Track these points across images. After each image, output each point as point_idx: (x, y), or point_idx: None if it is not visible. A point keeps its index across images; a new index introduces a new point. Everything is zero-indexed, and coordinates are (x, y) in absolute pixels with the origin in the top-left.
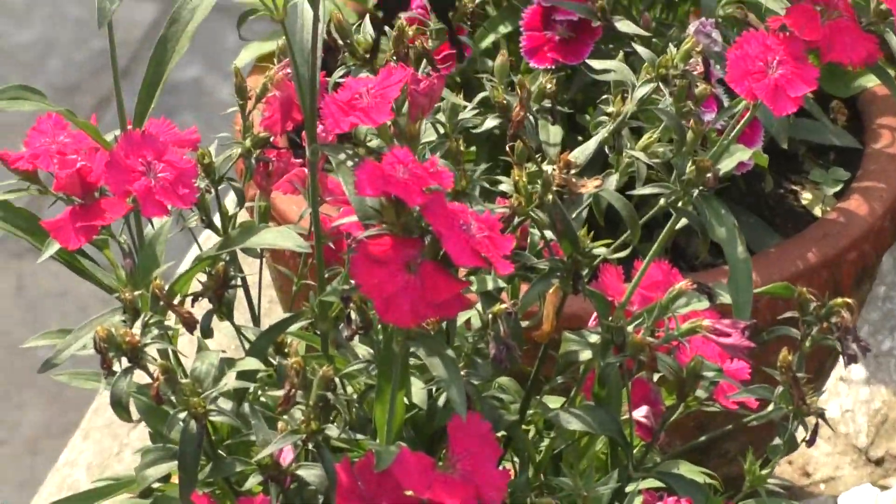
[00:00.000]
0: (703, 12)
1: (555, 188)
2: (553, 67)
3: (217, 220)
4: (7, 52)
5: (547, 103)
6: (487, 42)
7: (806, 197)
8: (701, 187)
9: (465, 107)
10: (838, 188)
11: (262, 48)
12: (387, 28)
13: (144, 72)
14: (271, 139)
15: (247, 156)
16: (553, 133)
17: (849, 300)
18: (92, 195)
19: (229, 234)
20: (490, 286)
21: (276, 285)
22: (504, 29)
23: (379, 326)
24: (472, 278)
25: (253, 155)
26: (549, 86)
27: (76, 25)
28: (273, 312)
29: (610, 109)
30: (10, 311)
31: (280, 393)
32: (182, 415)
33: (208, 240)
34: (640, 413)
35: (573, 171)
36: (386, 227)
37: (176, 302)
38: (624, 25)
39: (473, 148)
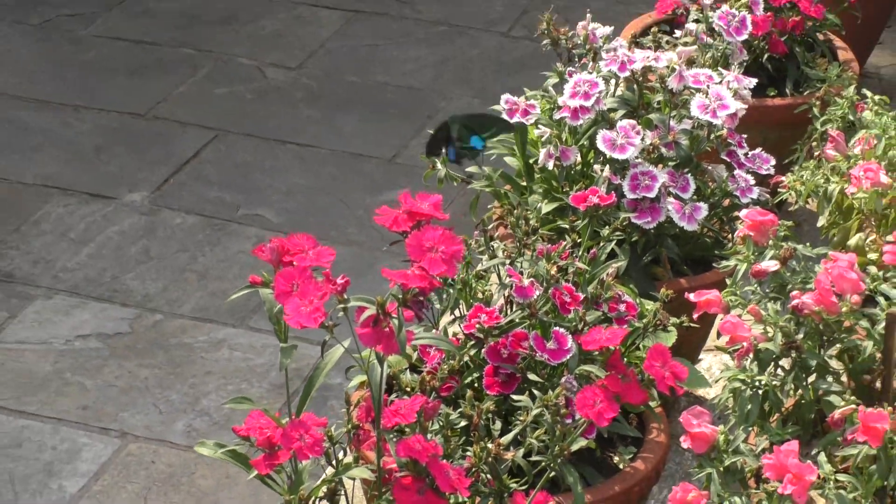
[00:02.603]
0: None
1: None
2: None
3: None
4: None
5: None
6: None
7: (616, 459)
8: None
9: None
10: (630, 456)
11: (360, 378)
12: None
13: None
14: (362, 425)
15: (349, 431)
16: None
17: None
18: (274, 448)
19: (338, 468)
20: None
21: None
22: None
23: None
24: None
25: (353, 430)
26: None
27: None
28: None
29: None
30: None
31: None
32: None
33: None
34: None
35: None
36: (409, 471)
37: (313, 500)
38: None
39: None
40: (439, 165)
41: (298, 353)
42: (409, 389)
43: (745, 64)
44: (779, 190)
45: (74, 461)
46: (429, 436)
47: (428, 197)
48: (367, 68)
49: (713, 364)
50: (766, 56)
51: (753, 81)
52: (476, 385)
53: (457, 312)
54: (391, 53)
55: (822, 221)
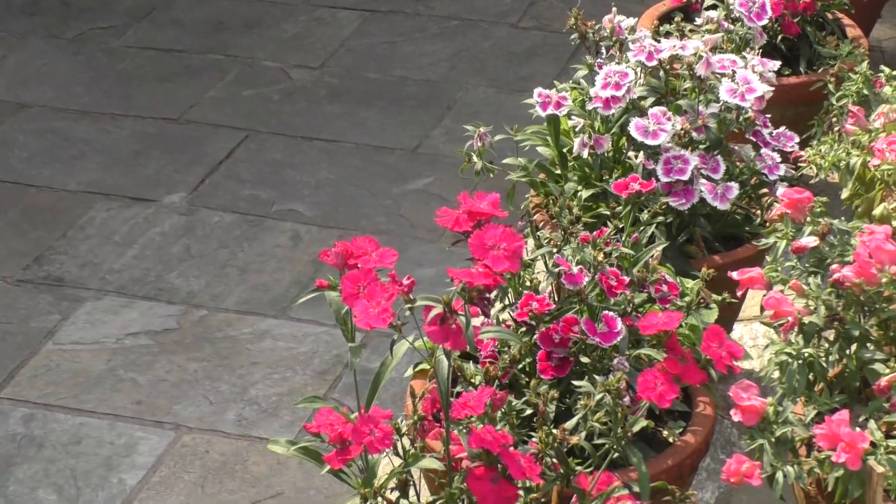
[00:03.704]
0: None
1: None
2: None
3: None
4: None
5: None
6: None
7: (666, 434)
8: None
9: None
10: (680, 430)
11: (423, 366)
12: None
13: None
14: (427, 417)
15: (416, 423)
16: None
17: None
18: (346, 443)
19: (406, 459)
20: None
21: (429, 486)
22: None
23: None
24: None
25: (418, 422)
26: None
27: None
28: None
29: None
30: None
31: None
32: None
33: None
34: None
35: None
36: (481, 461)
37: (384, 492)
38: None
39: None
40: (475, 158)
41: (334, 338)
42: (473, 381)
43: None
44: (798, 165)
45: (132, 455)
46: (497, 426)
47: (485, 196)
48: (386, 64)
49: (744, 334)
50: (779, 37)
51: (777, 64)
52: (528, 370)
53: (506, 301)
54: (408, 49)
55: (845, 194)
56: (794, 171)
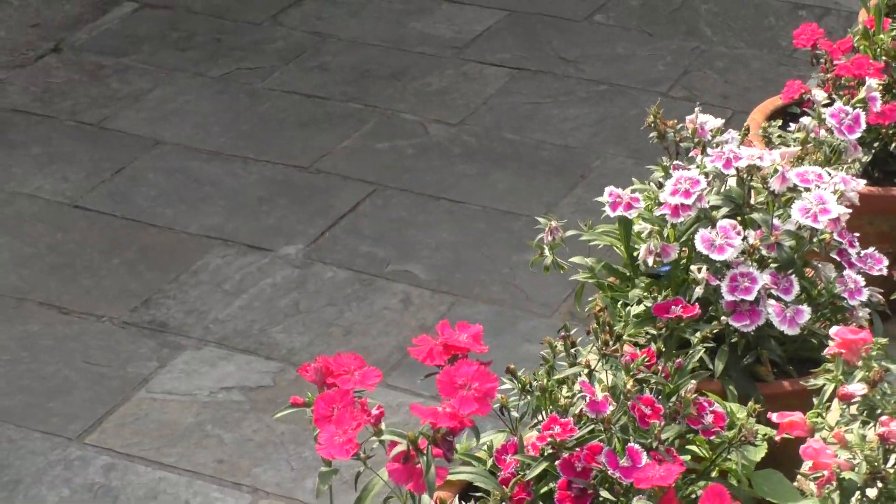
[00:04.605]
0: None
1: None
2: None
3: None
4: None
5: None
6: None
7: None
8: None
9: None
10: None
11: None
12: None
13: None
14: None
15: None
16: None
17: None
18: None
19: None
20: None
21: None
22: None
23: None
24: None
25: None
26: None
27: None
28: None
29: None
30: None
31: None
32: None
33: None
34: None
35: None
36: None
37: None
38: None
39: None
40: (546, 252)
41: None
42: None
43: (874, 150)
44: None
45: None
46: None
47: (467, 327)
48: (526, 126)
49: None
50: (894, 144)
51: (862, 183)
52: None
53: (540, 417)
54: (551, 111)
55: None
56: (880, 296)
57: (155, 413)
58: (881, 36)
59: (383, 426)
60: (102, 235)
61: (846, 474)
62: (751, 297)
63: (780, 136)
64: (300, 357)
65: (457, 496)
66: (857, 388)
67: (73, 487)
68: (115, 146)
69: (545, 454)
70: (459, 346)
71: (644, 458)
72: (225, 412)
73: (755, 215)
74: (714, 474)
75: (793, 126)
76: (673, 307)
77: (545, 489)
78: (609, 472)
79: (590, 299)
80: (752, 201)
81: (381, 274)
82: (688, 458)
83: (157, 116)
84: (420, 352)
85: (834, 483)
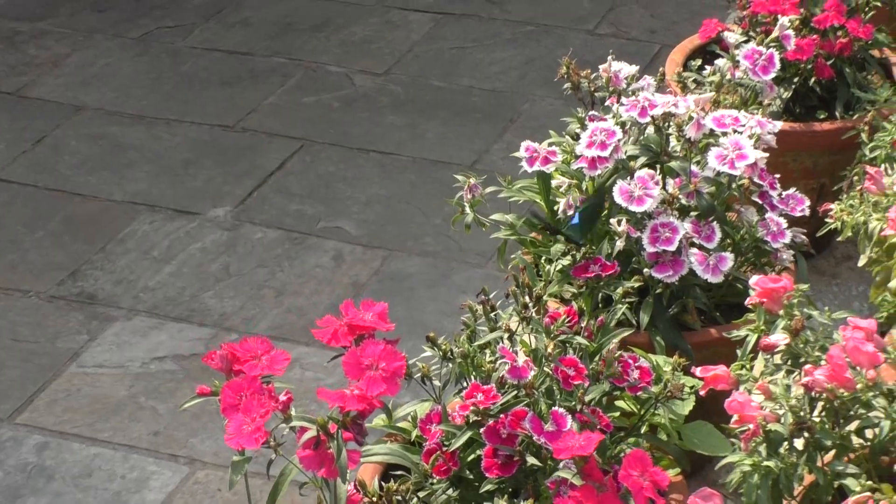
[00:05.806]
0: None
1: None
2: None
3: None
4: None
5: None
6: None
7: None
8: None
9: None
10: None
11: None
12: None
13: None
14: None
15: None
16: None
17: None
18: None
19: None
20: None
21: None
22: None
23: None
24: None
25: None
26: None
27: None
28: None
29: None
30: None
31: None
32: None
33: None
34: None
35: None
36: None
37: None
38: None
39: None
40: (467, 210)
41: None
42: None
43: (794, 85)
44: (826, 220)
45: (142, 490)
46: None
47: (372, 305)
48: (453, 72)
49: None
50: (813, 79)
51: (778, 125)
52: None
53: (464, 384)
54: (478, 56)
55: (862, 261)
56: (803, 237)
57: (87, 388)
58: None
59: (293, 412)
60: (25, 207)
61: (772, 426)
62: (672, 248)
63: (695, 81)
64: (232, 321)
65: (376, 477)
66: (780, 337)
67: (5, 469)
68: (35, 114)
69: (470, 422)
70: (364, 325)
71: (569, 422)
72: (158, 383)
73: (673, 163)
74: (644, 429)
75: (708, 69)
76: (592, 266)
77: (473, 456)
78: (534, 439)
79: (512, 256)
80: (671, 149)
81: (311, 232)
82: (616, 414)
83: (78, 81)
84: (324, 333)
85: (760, 436)
